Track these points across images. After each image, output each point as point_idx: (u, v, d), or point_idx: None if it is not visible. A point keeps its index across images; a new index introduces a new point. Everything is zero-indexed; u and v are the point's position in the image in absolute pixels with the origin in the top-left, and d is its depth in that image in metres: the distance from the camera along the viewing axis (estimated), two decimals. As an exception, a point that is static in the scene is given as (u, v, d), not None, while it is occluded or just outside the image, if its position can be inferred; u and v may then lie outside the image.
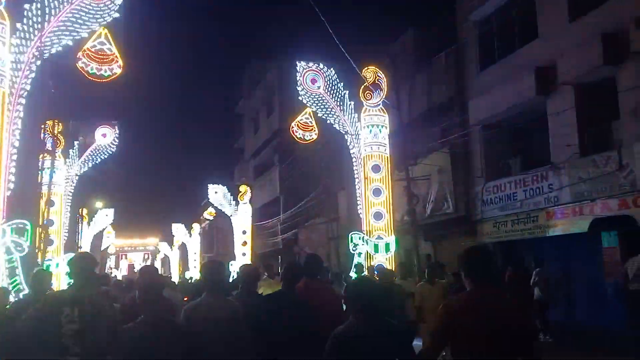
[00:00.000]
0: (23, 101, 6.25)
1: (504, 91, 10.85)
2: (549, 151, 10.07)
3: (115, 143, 14.08)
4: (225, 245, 26.00)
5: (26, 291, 5.56)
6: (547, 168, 9.98)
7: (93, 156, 13.94)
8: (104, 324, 3.38)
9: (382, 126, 11.14)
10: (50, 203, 12.28)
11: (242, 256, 20.83)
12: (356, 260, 10.68)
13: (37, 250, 11.45)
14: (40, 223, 11.68)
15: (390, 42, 15.22)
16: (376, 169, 10.98)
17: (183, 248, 38.69)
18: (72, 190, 13.83)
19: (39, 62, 6.39)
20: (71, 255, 12.94)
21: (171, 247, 43.72)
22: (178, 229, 36.95)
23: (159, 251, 51.55)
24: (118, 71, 6.98)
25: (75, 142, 13.73)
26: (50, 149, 11.68)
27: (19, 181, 6.47)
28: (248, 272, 4.37)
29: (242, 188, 22.03)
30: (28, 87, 6.30)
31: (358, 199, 10.95)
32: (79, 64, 6.86)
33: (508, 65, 11.06)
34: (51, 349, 3.23)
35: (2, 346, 3.72)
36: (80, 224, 21.76)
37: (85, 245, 23.76)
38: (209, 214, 27.78)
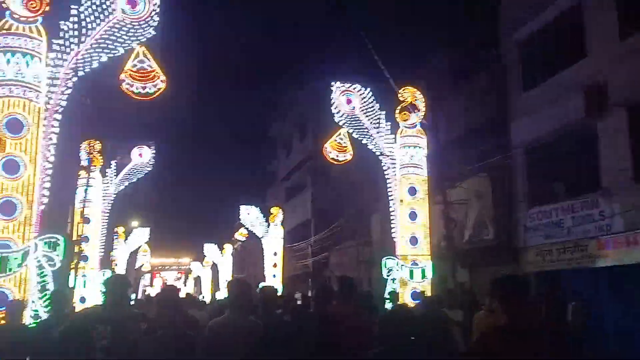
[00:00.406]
0: (59, 117, 6.26)
1: (550, 112, 10.36)
2: (598, 176, 9.49)
3: (152, 163, 14.23)
4: (256, 266, 25.84)
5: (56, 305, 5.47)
6: (598, 194, 9.39)
7: (129, 175, 14.10)
8: (130, 342, 3.60)
9: (420, 148, 10.82)
10: (86, 220, 12.38)
11: (272, 278, 20.62)
12: (390, 286, 10.28)
13: (71, 267, 11.53)
14: (75, 239, 11.77)
15: (426, 62, 14.94)
16: (412, 191, 10.63)
17: (215, 268, 38.79)
18: (109, 208, 13.95)
19: (75, 79, 6.41)
20: (107, 272, 13.08)
21: (203, 267, 43.93)
22: (210, 249, 37.13)
23: (191, 271, 51.87)
24: (162, 86, 6.96)
25: (113, 161, 13.90)
26: (87, 166, 11.81)
27: (54, 197, 6.45)
28: (268, 293, 4.40)
29: (274, 210, 21.97)
30: (64, 103, 6.31)
31: (392, 222, 10.59)
32: (124, 86, 6.88)
33: (554, 85, 10.58)
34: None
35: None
36: (115, 242, 22.03)
37: (120, 263, 24.06)
38: (240, 234, 27.77)
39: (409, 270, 10.34)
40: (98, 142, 12.43)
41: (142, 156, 14.00)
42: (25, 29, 5.98)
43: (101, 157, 12.76)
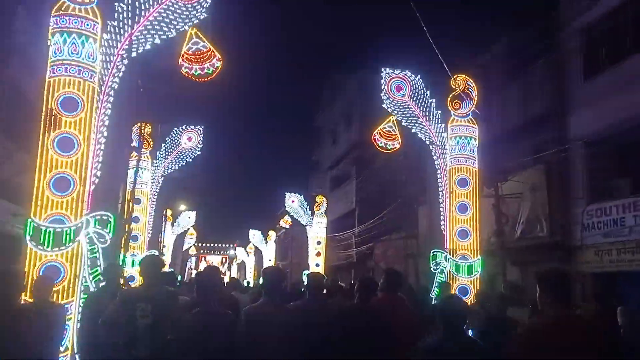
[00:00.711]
0: (111, 99, 6.34)
1: (614, 103, 9.75)
2: (666, 172, 8.88)
3: (200, 147, 14.41)
4: (299, 254, 25.96)
5: (104, 282, 5.59)
6: (665, 191, 8.78)
7: (178, 158, 14.34)
8: (169, 319, 3.85)
9: (471, 138, 10.39)
10: (136, 201, 12.68)
11: (315, 267, 20.62)
12: (438, 277, 9.99)
13: (121, 245, 11.87)
14: (125, 218, 12.08)
15: (481, 50, 14.39)
16: (463, 183, 10.24)
17: (259, 254, 39.31)
18: (158, 190, 14.27)
19: (126, 61, 6.47)
20: (154, 252, 13.42)
21: (247, 253, 44.62)
22: (255, 235, 37.61)
23: (236, 256, 52.84)
24: (219, 64, 6.96)
25: (163, 145, 14.17)
26: (137, 148, 12.08)
27: (106, 176, 6.56)
28: (315, 280, 4.55)
29: (318, 198, 21.89)
30: (116, 85, 6.39)
31: (441, 214, 10.26)
32: (183, 70, 6.91)
33: (619, 73, 9.94)
34: (126, 338, 3.74)
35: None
36: (164, 224, 22.64)
37: (168, 245, 24.75)
38: (285, 222, 27.94)
39: (455, 264, 10.01)
40: (148, 124, 12.67)
41: (191, 140, 14.20)
42: (82, 10, 6.05)
43: (151, 140, 13.02)
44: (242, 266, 49.94)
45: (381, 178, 19.72)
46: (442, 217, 10.27)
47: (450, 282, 9.92)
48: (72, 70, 6.00)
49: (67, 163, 5.69)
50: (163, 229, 22.10)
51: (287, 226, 28.38)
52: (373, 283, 4.57)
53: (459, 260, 10.04)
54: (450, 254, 10.06)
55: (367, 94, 22.08)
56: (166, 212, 23.83)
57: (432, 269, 10.15)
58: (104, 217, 5.65)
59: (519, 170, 12.20)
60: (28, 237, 5.30)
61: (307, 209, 21.76)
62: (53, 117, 5.82)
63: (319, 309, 4.18)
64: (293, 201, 22.35)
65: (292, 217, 23.84)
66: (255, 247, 39.25)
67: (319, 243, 21.00)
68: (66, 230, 5.39)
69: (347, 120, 26.77)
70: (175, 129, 14.05)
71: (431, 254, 10.19)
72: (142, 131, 12.39)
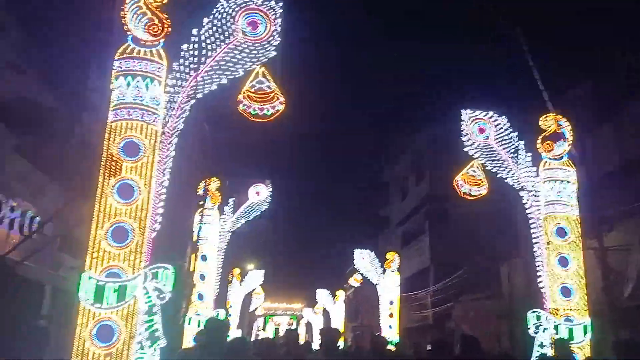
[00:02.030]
0: (175, 140, 5.96)
1: None
2: None
3: (268, 201, 14.04)
4: (370, 315, 24.54)
5: (163, 343, 4.95)
6: None
7: (246, 213, 13.99)
8: None
9: (568, 182, 9.21)
10: (203, 258, 12.29)
11: (388, 329, 19.22)
12: (538, 346, 8.58)
13: (188, 304, 11.37)
14: (192, 277, 11.65)
15: (568, 88, 13.30)
16: (561, 233, 8.96)
17: (326, 315, 37.92)
18: (225, 247, 13.87)
19: (192, 102, 6.12)
20: (221, 311, 12.82)
21: (315, 313, 43.27)
22: (322, 294, 36.43)
23: (303, 316, 51.51)
24: (280, 108, 6.49)
25: (230, 199, 13.90)
26: (203, 203, 11.81)
27: (168, 227, 6.09)
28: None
29: (389, 255, 20.75)
30: (181, 126, 6.02)
31: (538, 269, 8.97)
32: (241, 107, 6.52)
33: None
34: None
35: None
36: (231, 282, 22.24)
37: (235, 304, 24.21)
38: (355, 280, 26.76)
39: (568, 329, 8.57)
40: (216, 178, 12.46)
41: (259, 194, 13.86)
42: (147, 52, 5.82)
43: (219, 194, 12.75)
44: (309, 327, 48.44)
45: (457, 233, 18.43)
46: (538, 273, 8.99)
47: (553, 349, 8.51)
48: (135, 114, 5.69)
49: (126, 211, 5.24)
50: (230, 288, 21.66)
51: (357, 284, 27.16)
52: (448, 347, 4.82)
53: (564, 322, 8.63)
54: (551, 314, 8.69)
55: (437, 146, 21.27)
56: (234, 271, 23.50)
57: (532, 332, 8.79)
58: (163, 270, 5.07)
59: (625, 219, 10.68)
60: (82, 294, 4.79)
61: (379, 266, 20.63)
62: (114, 162, 5.47)
63: None
64: (363, 258, 21.31)
65: (362, 274, 22.72)
66: (323, 307, 37.96)
67: (391, 303, 19.66)
68: (122, 285, 4.84)
69: (417, 174, 25.85)
70: (244, 182, 13.79)
71: (529, 315, 8.86)
72: (209, 185, 12.18)
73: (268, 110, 6.43)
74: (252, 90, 6.44)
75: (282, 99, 6.49)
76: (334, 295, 34.68)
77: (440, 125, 20.16)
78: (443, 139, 19.67)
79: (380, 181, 32.98)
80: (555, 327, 8.52)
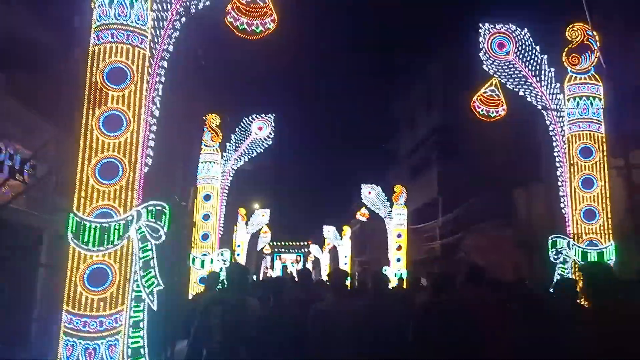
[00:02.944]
0: (165, 64, 5.26)
1: None
2: None
3: (271, 137, 13.41)
4: (378, 249, 24.49)
5: (161, 286, 4.53)
6: None
7: (249, 150, 13.41)
8: (248, 320, 4.37)
9: (595, 98, 8.51)
10: (206, 197, 11.86)
11: (396, 262, 19.16)
12: (560, 269, 8.23)
13: (192, 245, 11.06)
14: (195, 217, 11.27)
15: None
16: (587, 152, 8.38)
17: (334, 250, 38.24)
18: (229, 185, 13.40)
19: (183, 19, 5.36)
20: (225, 251, 12.54)
21: (322, 249, 43.72)
22: (329, 231, 36.55)
23: (310, 253, 52.22)
24: (271, 27, 5.73)
25: (232, 135, 13.27)
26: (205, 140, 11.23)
27: (163, 161, 5.53)
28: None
29: (397, 188, 20.34)
30: (170, 48, 5.30)
31: (561, 192, 8.47)
32: (228, 19, 5.74)
33: None
34: (205, 333, 4.41)
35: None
36: (237, 222, 22.07)
37: (242, 244, 24.21)
38: (361, 214, 26.55)
39: (582, 252, 8.19)
40: (216, 115, 11.78)
41: (262, 130, 13.21)
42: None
43: (220, 132, 12.11)
44: (316, 263, 49.15)
45: (467, 162, 17.89)
46: (561, 198, 8.50)
47: (573, 274, 8.17)
48: (120, 36, 4.97)
49: (114, 145, 4.65)
50: (236, 228, 21.47)
51: (364, 219, 26.99)
52: (449, 279, 4.60)
53: (586, 246, 8.24)
54: (574, 240, 8.30)
55: (450, 74, 20.32)
56: (240, 211, 23.27)
57: (551, 258, 8.42)
58: (158, 208, 4.54)
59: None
60: (70, 235, 4.30)
61: (386, 200, 20.28)
62: (98, 91, 4.82)
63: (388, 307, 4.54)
64: (369, 192, 20.94)
65: (369, 209, 22.45)
66: (330, 243, 38.22)
67: (399, 236, 19.48)
68: (114, 225, 4.33)
69: (427, 104, 24.99)
70: (245, 118, 13.08)
71: (550, 241, 8.46)
72: (209, 122, 11.53)
73: (257, 27, 5.68)
74: (244, 2, 5.64)
75: (274, 16, 5.70)
76: (340, 231, 34.77)
77: (454, 50, 19.11)
78: (455, 67, 18.73)
79: (390, 117, 32.19)
80: (581, 253, 8.15)
